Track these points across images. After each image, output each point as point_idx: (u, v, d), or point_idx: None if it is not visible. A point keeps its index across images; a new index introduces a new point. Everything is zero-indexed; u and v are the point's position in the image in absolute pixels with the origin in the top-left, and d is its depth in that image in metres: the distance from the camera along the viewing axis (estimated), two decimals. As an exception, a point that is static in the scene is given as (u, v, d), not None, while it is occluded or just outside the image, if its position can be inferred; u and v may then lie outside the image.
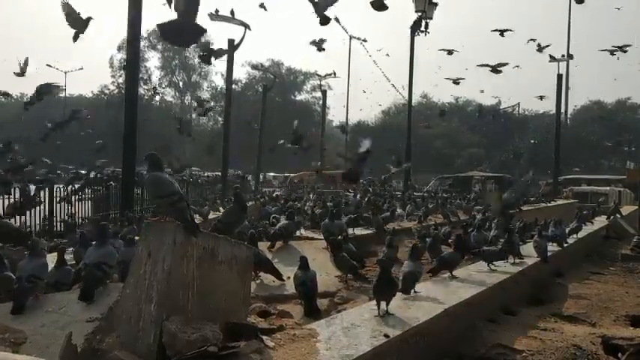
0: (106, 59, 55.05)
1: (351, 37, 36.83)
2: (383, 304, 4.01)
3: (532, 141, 40.76)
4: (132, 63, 11.61)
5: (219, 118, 51.01)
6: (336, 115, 59.89)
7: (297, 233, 7.91)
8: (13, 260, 4.89)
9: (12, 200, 8.89)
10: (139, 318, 3.18)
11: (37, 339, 3.57)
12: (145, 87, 52.15)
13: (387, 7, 6.08)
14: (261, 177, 24.90)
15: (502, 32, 10.70)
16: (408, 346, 3.82)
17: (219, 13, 10.20)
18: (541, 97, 27.46)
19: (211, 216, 10.48)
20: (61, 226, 10.13)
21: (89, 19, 7.56)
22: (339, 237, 6.73)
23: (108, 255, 4.31)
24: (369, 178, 23.54)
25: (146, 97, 50.11)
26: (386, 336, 3.61)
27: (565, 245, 8.19)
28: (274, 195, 12.42)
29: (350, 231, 8.25)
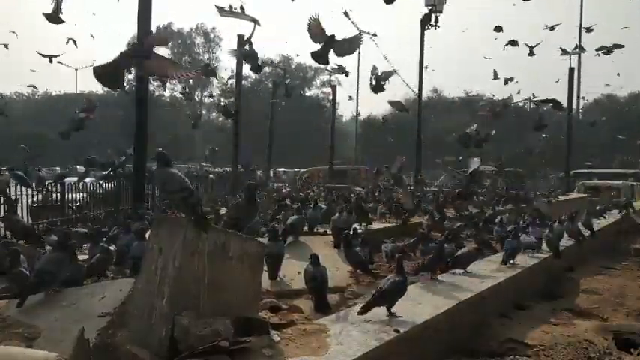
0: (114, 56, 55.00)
1: (361, 32, 36.66)
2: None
3: (543, 135, 40.35)
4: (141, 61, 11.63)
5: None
6: (347, 109, 59.76)
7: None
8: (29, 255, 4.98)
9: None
10: (151, 313, 3.20)
11: (51, 333, 3.61)
12: (156, 83, 52.26)
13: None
14: (271, 172, 24.93)
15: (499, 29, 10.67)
16: (418, 340, 3.82)
17: (230, 9, 10.21)
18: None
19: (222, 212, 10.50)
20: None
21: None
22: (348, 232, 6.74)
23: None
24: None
25: (156, 94, 50.22)
26: (396, 331, 3.62)
27: (581, 239, 8.15)
28: (282, 198, 12.18)
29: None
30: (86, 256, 5.55)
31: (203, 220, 3.32)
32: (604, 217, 11.76)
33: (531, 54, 11.81)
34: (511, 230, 7.00)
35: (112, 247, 5.52)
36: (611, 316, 5.56)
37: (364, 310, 3.87)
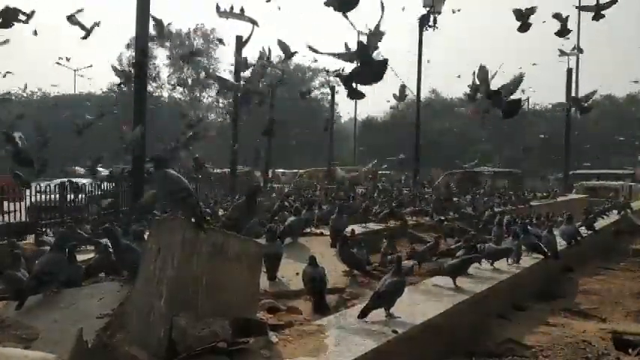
0: (115, 56, 54.96)
1: (359, 33, 36.57)
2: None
3: (541, 136, 40.41)
4: (140, 62, 11.63)
5: (228, 115, 51.08)
6: (348, 111, 59.70)
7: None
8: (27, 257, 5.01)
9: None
10: (149, 314, 3.20)
11: (49, 335, 3.61)
12: (154, 84, 52.34)
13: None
14: (270, 173, 24.89)
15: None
16: (417, 341, 3.82)
17: (230, 11, 10.21)
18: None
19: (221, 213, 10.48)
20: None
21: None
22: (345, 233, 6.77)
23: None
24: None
25: (155, 94, 50.29)
26: (394, 332, 3.62)
27: (579, 239, 8.16)
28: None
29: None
30: (86, 256, 5.56)
31: (203, 221, 3.32)
32: (603, 218, 11.75)
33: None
34: (521, 228, 6.98)
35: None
36: (610, 317, 5.56)
37: (364, 313, 3.87)
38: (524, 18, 8.56)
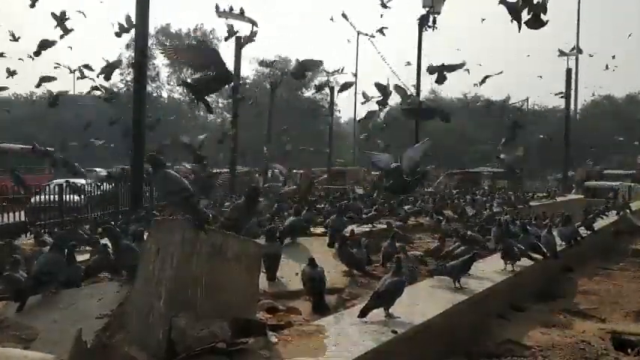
0: (114, 57, 54.93)
1: (359, 33, 36.62)
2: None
3: (541, 136, 40.42)
4: (140, 62, 11.64)
5: (227, 115, 51.07)
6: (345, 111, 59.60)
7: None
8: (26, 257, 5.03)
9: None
10: (149, 314, 3.20)
11: (48, 335, 3.61)
12: (153, 84, 52.29)
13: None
14: (269, 173, 24.93)
15: None
16: (416, 341, 3.82)
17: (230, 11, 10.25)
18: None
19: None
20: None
21: None
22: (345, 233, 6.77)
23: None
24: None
25: (155, 95, 50.23)
26: (394, 332, 3.61)
27: (578, 239, 8.16)
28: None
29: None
30: (85, 256, 5.57)
31: (203, 221, 3.33)
32: (602, 218, 11.75)
33: None
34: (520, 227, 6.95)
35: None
36: (609, 317, 5.56)
37: (363, 313, 3.86)
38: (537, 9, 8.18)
